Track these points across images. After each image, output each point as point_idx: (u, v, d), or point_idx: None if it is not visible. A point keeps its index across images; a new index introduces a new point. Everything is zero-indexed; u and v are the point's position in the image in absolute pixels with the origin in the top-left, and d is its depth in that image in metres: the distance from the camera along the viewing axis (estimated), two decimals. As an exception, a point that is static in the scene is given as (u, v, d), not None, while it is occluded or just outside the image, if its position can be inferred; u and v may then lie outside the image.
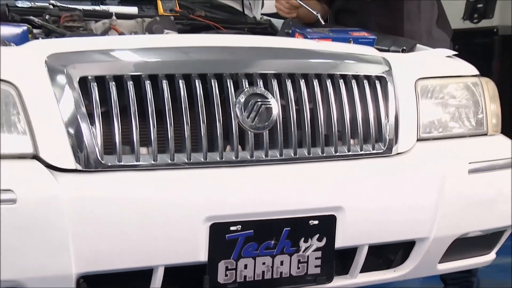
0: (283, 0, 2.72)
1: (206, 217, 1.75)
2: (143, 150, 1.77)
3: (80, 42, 1.87)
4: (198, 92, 1.80)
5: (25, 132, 1.70)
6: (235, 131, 1.83)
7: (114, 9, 2.69)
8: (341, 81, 1.97)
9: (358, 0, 2.58)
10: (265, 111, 1.85)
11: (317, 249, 1.88)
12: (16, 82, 1.71)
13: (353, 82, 1.99)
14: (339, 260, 2.02)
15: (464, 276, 2.71)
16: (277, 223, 1.83)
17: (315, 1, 2.86)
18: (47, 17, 2.42)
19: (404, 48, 2.37)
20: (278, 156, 1.88)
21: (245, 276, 1.82)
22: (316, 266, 1.89)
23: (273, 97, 1.87)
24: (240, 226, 1.78)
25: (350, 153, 1.97)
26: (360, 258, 1.98)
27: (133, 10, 2.77)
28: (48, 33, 2.31)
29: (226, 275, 1.80)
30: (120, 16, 2.58)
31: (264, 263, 1.83)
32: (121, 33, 2.40)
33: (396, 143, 2.03)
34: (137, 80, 1.78)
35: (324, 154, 1.93)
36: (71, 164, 1.70)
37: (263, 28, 2.94)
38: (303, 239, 1.86)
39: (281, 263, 1.85)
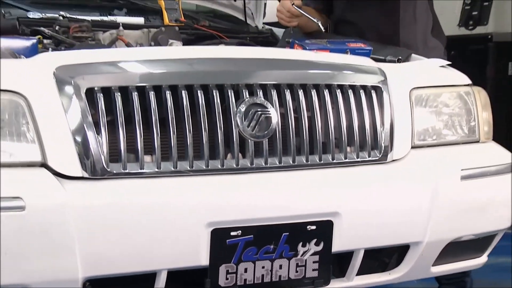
0: (284, 9, 2.71)
1: (207, 222, 1.75)
2: (147, 158, 1.77)
3: (87, 54, 1.87)
4: (200, 102, 1.80)
5: (34, 141, 1.70)
6: (236, 140, 1.83)
7: (121, 19, 2.70)
8: (338, 91, 1.97)
9: (356, 12, 2.57)
10: (265, 120, 1.85)
11: (314, 253, 1.87)
12: (26, 93, 1.71)
13: (350, 92, 1.98)
14: (336, 263, 2.02)
15: (458, 276, 2.70)
16: (276, 228, 1.82)
17: (314, 11, 2.85)
18: (57, 28, 2.43)
19: (400, 57, 2.36)
20: (277, 163, 1.87)
21: (245, 280, 1.81)
22: (313, 270, 1.88)
23: (273, 106, 1.86)
24: (240, 231, 1.78)
25: (346, 160, 1.96)
26: (356, 262, 1.97)
27: (140, 20, 2.77)
28: (58, 43, 2.31)
29: (226, 279, 1.80)
30: (127, 26, 2.58)
31: (263, 267, 1.82)
32: (127, 43, 2.40)
33: (391, 151, 2.03)
34: (142, 90, 1.78)
35: (322, 162, 1.93)
36: (78, 172, 1.70)
37: (265, 37, 2.94)
38: (301, 243, 1.85)
39: (280, 267, 1.84)
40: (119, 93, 1.75)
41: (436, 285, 2.83)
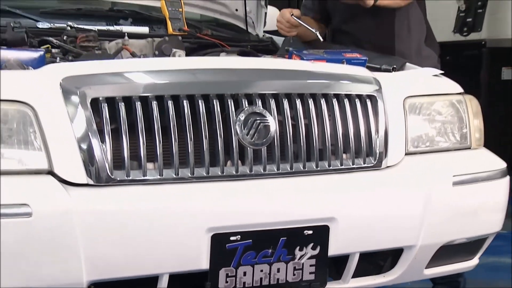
0: (283, 20, 2.71)
1: (208, 228, 1.75)
2: (150, 165, 1.77)
3: (92, 65, 1.87)
4: (201, 111, 1.80)
5: (40, 149, 1.70)
6: (236, 147, 1.83)
7: (127, 29, 2.70)
8: (335, 100, 1.96)
9: (353, 23, 2.57)
10: (263, 128, 1.85)
11: (311, 257, 1.87)
12: (33, 103, 1.71)
13: (346, 101, 1.98)
14: (333, 265, 2.01)
15: (451, 276, 2.69)
16: (274, 233, 1.82)
17: (313, 21, 2.85)
18: (64, 37, 2.43)
19: (395, 66, 2.36)
20: (276, 170, 1.87)
21: (244, 283, 1.81)
22: (310, 273, 1.88)
23: (271, 115, 1.86)
24: (239, 236, 1.78)
25: (342, 167, 1.96)
26: (352, 265, 1.97)
27: (145, 30, 2.77)
28: (66, 53, 2.32)
29: (226, 282, 1.79)
30: (132, 35, 2.58)
31: (262, 270, 1.82)
32: (132, 53, 2.41)
33: (385, 157, 2.02)
34: (145, 100, 1.78)
35: (319, 168, 1.92)
36: (83, 179, 1.70)
37: (265, 45, 2.94)
38: (298, 247, 1.85)
39: (278, 270, 1.84)
40: (122, 103, 1.75)
41: (431, 285, 2.83)
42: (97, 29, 2.58)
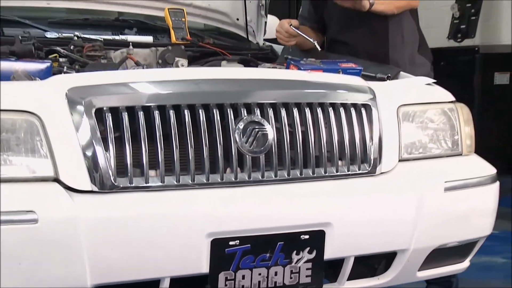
0: (282, 30, 2.71)
1: (207, 233, 1.74)
2: (152, 172, 1.77)
3: (96, 76, 1.86)
4: (201, 120, 1.80)
5: (47, 158, 1.70)
6: (235, 155, 1.82)
7: (131, 38, 2.70)
8: (330, 109, 1.96)
9: (348, 33, 2.56)
10: (262, 136, 1.84)
11: (308, 261, 1.86)
12: (40, 113, 1.72)
13: (341, 110, 1.97)
14: (329, 268, 2.00)
15: (444, 276, 2.68)
16: (272, 238, 1.82)
17: (310, 30, 2.84)
18: (71, 47, 2.43)
19: (389, 75, 2.35)
20: (273, 177, 1.87)
21: (243, 286, 1.81)
22: (307, 276, 1.87)
23: (269, 124, 1.86)
24: (238, 241, 1.78)
25: (338, 173, 1.95)
26: (347, 268, 1.96)
27: (149, 39, 2.77)
28: (72, 62, 2.32)
29: (225, 285, 1.79)
30: (136, 45, 2.58)
31: (260, 274, 1.82)
32: (136, 62, 2.40)
33: (380, 164, 2.01)
34: (147, 109, 1.77)
35: (315, 175, 1.92)
36: (88, 186, 1.70)
37: (265, 53, 2.94)
38: (295, 252, 1.84)
39: (276, 273, 1.84)
40: (126, 112, 1.75)
41: (424, 285, 2.82)
42: (103, 39, 2.58)
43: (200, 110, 1.80)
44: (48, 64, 1.92)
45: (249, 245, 1.79)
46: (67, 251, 1.63)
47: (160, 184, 1.76)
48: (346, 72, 2.19)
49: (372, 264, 2.07)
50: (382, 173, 2.02)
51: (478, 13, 6.05)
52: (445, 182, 2.03)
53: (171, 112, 1.78)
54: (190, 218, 1.74)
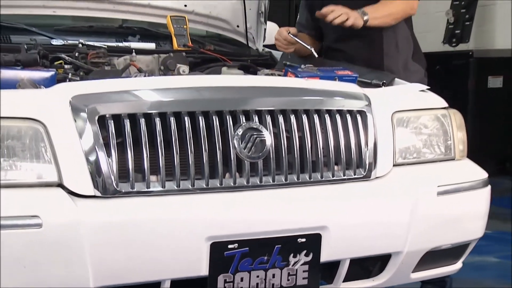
0: (281, 38, 2.70)
1: (207, 236, 1.74)
2: (153, 177, 1.77)
3: (99, 84, 1.86)
4: (201, 126, 1.80)
5: (51, 164, 1.70)
6: (234, 160, 1.82)
7: (134, 45, 2.70)
8: (327, 115, 1.95)
9: (344, 43, 2.55)
10: (260, 143, 1.84)
11: (304, 263, 1.86)
12: (44, 120, 1.72)
13: (337, 116, 1.97)
14: (326, 269, 2.00)
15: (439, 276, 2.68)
16: (270, 241, 1.81)
17: (308, 37, 2.84)
18: (76, 54, 2.43)
19: (384, 81, 2.35)
20: (271, 181, 1.86)
21: (241, 288, 1.81)
22: (304, 278, 1.87)
23: (267, 130, 1.85)
24: (237, 244, 1.77)
25: (334, 178, 1.95)
26: (343, 270, 1.96)
27: (151, 46, 2.77)
28: (77, 68, 2.32)
29: (225, 287, 1.78)
30: (139, 51, 2.58)
31: (258, 276, 1.81)
32: (139, 69, 2.40)
33: (375, 169, 2.01)
34: (148, 116, 1.77)
35: (312, 179, 1.91)
36: (90, 191, 1.70)
37: (264, 59, 2.94)
38: (292, 254, 1.84)
39: (273, 275, 1.83)
40: (127, 120, 1.75)
41: (419, 284, 2.81)
42: (107, 46, 2.58)
43: (200, 117, 1.80)
44: (53, 72, 1.92)
45: (247, 248, 1.78)
46: (70, 254, 1.63)
47: (161, 189, 1.76)
48: (342, 79, 2.19)
49: (367, 266, 2.06)
50: (377, 177, 2.01)
51: (472, 19, 6.05)
52: (438, 186, 2.02)
53: (172, 119, 1.77)
54: (190, 222, 1.74)
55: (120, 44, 2.72)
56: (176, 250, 1.72)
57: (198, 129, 1.79)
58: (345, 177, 1.96)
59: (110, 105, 1.76)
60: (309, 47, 2.58)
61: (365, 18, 2.47)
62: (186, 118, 1.79)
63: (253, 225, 1.79)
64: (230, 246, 1.77)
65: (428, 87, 2.31)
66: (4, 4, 2.70)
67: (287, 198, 1.87)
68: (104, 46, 2.55)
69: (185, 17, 2.85)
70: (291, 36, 2.63)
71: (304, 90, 2.01)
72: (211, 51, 2.79)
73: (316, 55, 2.59)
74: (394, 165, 2.07)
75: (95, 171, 1.70)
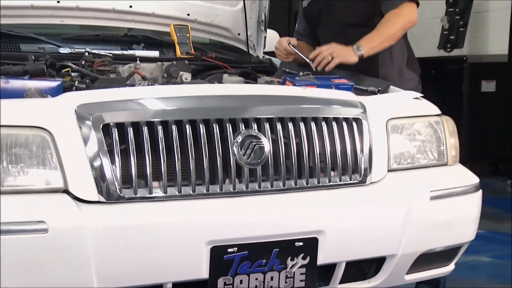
0: (281, 48, 2.69)
1: (207, 241, 1.74)
2: (155, 183, 1.76)
3: (103, 93, 1.86)
4: (202, 134, 1.79)
5: (57, 171, 1.70)
6: (233, 167, 1.82)
7: (139, 53, 2.70)
8: (323, 123, 1.95)
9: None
10: (259, 149, 1.84)
11: (301, 266, 1.85)
12: (51, 128, 1.71)
13: (334, 124, 1.96)
14: (323, 271, 1.99)
15: (432, 275, 2.67)
16: (268, 245, 1.81)
17: (306, 45, 2.84)
18: (83, 62, 2.43)
19: (380, 89, 2.34)
20: (269, 187, 1.86)
21: (240, 290, 1.81)
22: (301, 281, 1.86)
23: (265, 137, 1.85)
24: (236, 248, 1.77)
25: (330, 183, 1.94)
26: (339, 272, 1.95)
27: (155, 53, 2.77)
28: (83, 76, 2.32)
29: (224, 289, 1.79)
30: (143, 59, 2.58)
31: (256, 279, 1.81)
32: (143, 76, 2.40)
33: (370, 174, 1.99)
34: (151, 124, 1.77)
35: (309, 185, 1.91)
36: (95, 196, 1.70)
37: (265, 66, 2.93)
38: (290, 258, 1.84)
39: (271, 278, 1.83)
40: (131, 128, 1.74)
41: (414, 284, 2.80)
42: (112, 54, 2.58)
43: (200, 125, 1.80)
44: (59, 82, 1.92)
45: (246, 252, 1.78)
46: (75, 258, 1.63)
47: (163, 194, 1.75)
48: (338, 87, 2.18)
49: (363, 268, 2.06)
50: (372, 182, 2.00)
51: (466, 25, 6.05)
52: (431, 191, 2.02)
53: (173, 127, 1.77)
54: (191, 227, 1.73)
55: (125, 52, 2.72)
56: (177, 254, 1.72)
57: (199, 136, 1.79)
58: (341, 183, 1.95)
59: (114, 114, 1.76)
60: (307, 59, 2.56)
61: (360, 53, 2.45)
62: (187, 126, 1.78)
63: (252, 229, 1.79)
64: (229, 250, 1.76)
65: (422, 95, 2.30)
66: (15, 14, 2.71)
67: (285, 203, 1.86)
68: (109, 54, 2.55)
69: (188, 26, 2.85)
70: (291, 47, 2.62)
71: (301, 99, 2.01)
72: (213, 58, 2.79)
73: (314, 68, 2.55)
74: (388, 171, 2.06)
75: (100, 177, 1.70)
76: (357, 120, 2.01)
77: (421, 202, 2.00)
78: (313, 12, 2.79)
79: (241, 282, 1.79)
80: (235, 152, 1.82)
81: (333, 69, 2.48)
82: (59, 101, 1.80)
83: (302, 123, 1.92)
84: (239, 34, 3.12)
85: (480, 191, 2.15)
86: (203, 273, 1.75)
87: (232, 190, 1.81)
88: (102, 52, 2.57)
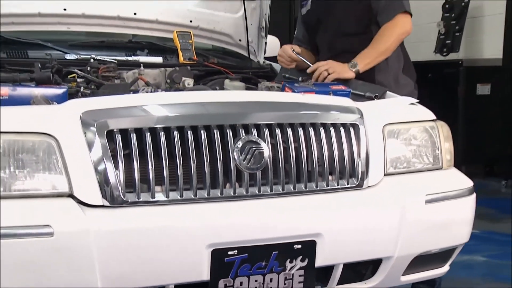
0: (285, 55, 2.69)
1: (208, 244, 1.73)
2: (158, 188, 1.76)
3: (107, 100, 1.86)
4: (203, 140, 1.79)
5: (62, 176, 1.70)
6: (233, 171, 1.81)
7: (143, 59, 2.70)
8: (322, 128, 1.95)
9: (337, 59, 2.54)
10: (258, 155, 1.83)
11: (300, 268, 1.85)
12: (56, 135, 1.72)
13: (332, 129, 1.96)
14: (321, 272, 1.99)
15: (428, 275, 2.67)
16: (267, 248, 1.80)
17: (306, 51, 2.84)
18: (88, 68, 2.43)
19: (377, 94, 2.34)
20: (269, 191, 1.85)
21: (240, 291, 1.80)
22: (299, 282, 1.86)
23: (265, 143, 1.85)
24: (236, 251, 1.76)
25: (328, 187, 1.93)
26: (337, 274, 1.94)
27: (158, 59, 2.76)
28: (89, 82, 2.32)
29: (225, 291, 1.79)
30: (147, 65, 2.58)
31: (256, 281, 1.81)
32: (146, 82, 2.40)
33: (367, 178, 1.99)
34: (153, 130, 1.77)
35: (307, 189, 1.90)
36: (99, 201, 1.70)
37: (265, 71, 2.93)
38: (288, 260, 1.83)
39: (271, 280, 1.82)
40: (134, 134, 1.74)
41: (410, 285, 2.80)
42: (117, 60, 2.58)
43: (202, 131, 1.80)
44: (64, 89, 1.92)
45: (246, 254, 1.78)
46: (80, 261, 1.63)
47: (165, 198, 1.75)
48: (336, 93, 2.18)
49: (360, 270, 2.05)
50: (369, 186, 2.00)
51: (462, 30, 6.05)
52: (426, 195, 2.01)
53: (176, 133, 1.77)
54: (193, 230, 1.73)
55: (130, 58, 2.72)
56: (179, 257, 1.72)
57: (200, 142, 1.79)
58: (338, 187, 1.95)
59: (117, 120, 1.76)
60: (310, 64, 2.56)
61: (355, 70, 2.45)
62: (188, 132, 1.78)
63: (252, 232, 1.79)
64: (230, 253, 1.76)
65: (418, 101, 2.30)
66: (23, 21, 2.72)
67: (284, 207, 1.86)
68: (114, 60, 2.55)
69: (190, 32, 2.85)
70: (295, 54, 2.62)
71: (300, 105, 2.00)
72: (215, 64, 2.78)
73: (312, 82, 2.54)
74: (385, 175, 2.05)
75: (104, 182, 1.70)
76: (355, 126, 2.00)
77: (417, 206, 1.99)
78: (312, 20, 2.79)
79: (241, 284, 1.79)
80: (236, 157, 1.81)
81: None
82: (64, 108, 1.80)
83: (300, 128, 1.91)
84: (240, 40, 3.11)
85: (474, 195, 2.15)
86: (204, 275, 1.75)
87: (232, 194, 1.81)
88: (107, 58, 2.57)
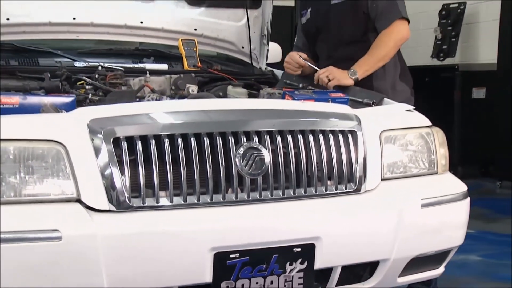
0: (292, 61, 2.69)
1: (211, 247, 1.73)
2: (162, 193, 1.76)
3: (114, 108, 1.86)
4: (206, 146, 1.79)
5: (70, 181, 1.70)
6: (235, 177, 1.81)
7: (149, 66, 2.70)
8: (321, 135, 1.94)
9: (336, 65, 2.53)
10: (259, 161, 1.83)
11: (299, 271, 1.84)
12: (65, 142, 1.71)
13: (330, 135, 1.95)
14: (320, 273, 1.98)
15: (425, 275, 2.66)
16: (268, 251, 1.80)
17: (307, 57, 2.83)
18: (96, 75, 2.44)
19: (374, 101, 2.33)
20: (270, 196, 1.85)
21: (242, 293, 1.80)
22: (299, 284, 1.85)
23: (266, 149, 1.85)
24: (238, 254, 1.76)
25: (327, 192, 1.93)
26: (335, 275, 1.94)
27: (164, 66, 2.77)
28: (96, 89, 2.32)
29: (227, 293, 1.78)
30: (153, 72, 2.58)
31: (257, 283, 1.80)
32: (152, 89, 2.40)
33: (364, 183, 1.98)
34: (158, 137, 1.77)
35: (307, 194, 1.90)
36: (106, 206, 1.70)
37: (267, 78, 2.92)
38: (288, 263, 1.83)
39: (271, 282, 1.82)
40: (139, 141, 1.74)
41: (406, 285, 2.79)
42: (124, 67, 2.58)
43: (204, 138, 1.79)
44: (73, 98, 1.92)
45: (247, 257, 1.77)
46: (87, 264, 1.63)
47: (169, 203, 1.75)
48: (335, 101, 2.18)
49: (358, 271, 2.04)
50: (366, 191, 1.99)
51: (458, 36, 6.04)
52: (422, 199, 2.00)
53: (179, 140, 1.77)
54: (196, 234, 1.73)
55: (136, 65, 2.72)
56: (183, 260, 1.72)
57: (203, 148, 1.79)
58: (337, 191, 1.95)
59: (123, 128, 1.75)
60: (318, 69, 2.56)
61: (354, 77, 2.45)
62: (192, 139, 1.78)
63: (253, 236, 1.78)
64: (231, 256, 1.76)
65: (414, 107, 2.29)
66: (34, 30, 2.72)
67: (284, 211, 1.85)
68: (121, 68, 2.55)
69: (195, 40, 2.85)
70: (304, 60, 2.62)
71: (300, 112, 2.00)
72: (218, 70, 2.78)
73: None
74: (382, 179, 2.05)
75: (110, 187, 1.70)
76: (353, 132, 1.99)
77: (413, 210, 1.99)
78: (311, 29, 2.78)
79: (242, 286, 1.79)
80: (237, 163, 1.81)
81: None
82: (72, 116, 1.80)
83: (300, 135, 1.91)
84: (243, 47, 3.11)
85: (468, 198, 2.14)
86: (207, 277, 1.75)
87: (234, 199, 1.81)
88: (114, 65, 2.57)
